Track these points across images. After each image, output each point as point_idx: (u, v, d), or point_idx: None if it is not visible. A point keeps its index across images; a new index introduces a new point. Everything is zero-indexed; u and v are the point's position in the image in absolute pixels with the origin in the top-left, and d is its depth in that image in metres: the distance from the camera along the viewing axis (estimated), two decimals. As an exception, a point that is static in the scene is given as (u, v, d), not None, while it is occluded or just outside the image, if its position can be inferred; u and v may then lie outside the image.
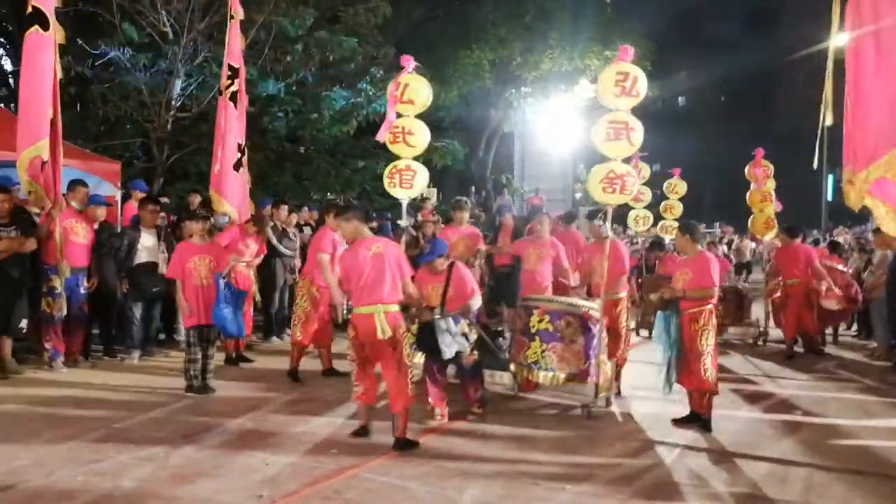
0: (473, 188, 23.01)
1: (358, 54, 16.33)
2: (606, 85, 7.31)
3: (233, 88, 9.11)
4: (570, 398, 7.83)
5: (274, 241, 10.69)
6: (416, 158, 8.74)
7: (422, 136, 8.59)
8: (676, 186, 13.90)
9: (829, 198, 38.52)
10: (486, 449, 6.26)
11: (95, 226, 9.16)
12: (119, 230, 9.86)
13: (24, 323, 8.50)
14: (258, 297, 10.10)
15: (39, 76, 7.84)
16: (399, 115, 8.44)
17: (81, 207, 8.98)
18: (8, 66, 17.44)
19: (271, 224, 10.80)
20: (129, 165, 13.87)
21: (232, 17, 9.22)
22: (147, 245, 9.39)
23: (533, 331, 7.44)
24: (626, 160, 7.50)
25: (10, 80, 17.03)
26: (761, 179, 12.33)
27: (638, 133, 7.28)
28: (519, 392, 7.90)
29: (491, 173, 24.65)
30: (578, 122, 24.76)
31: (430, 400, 6.96)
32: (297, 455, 5.91)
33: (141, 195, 10.55)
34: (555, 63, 21.46)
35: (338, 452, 5.83)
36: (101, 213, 9.44)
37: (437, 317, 6.66)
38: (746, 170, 12.52)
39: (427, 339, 6.66)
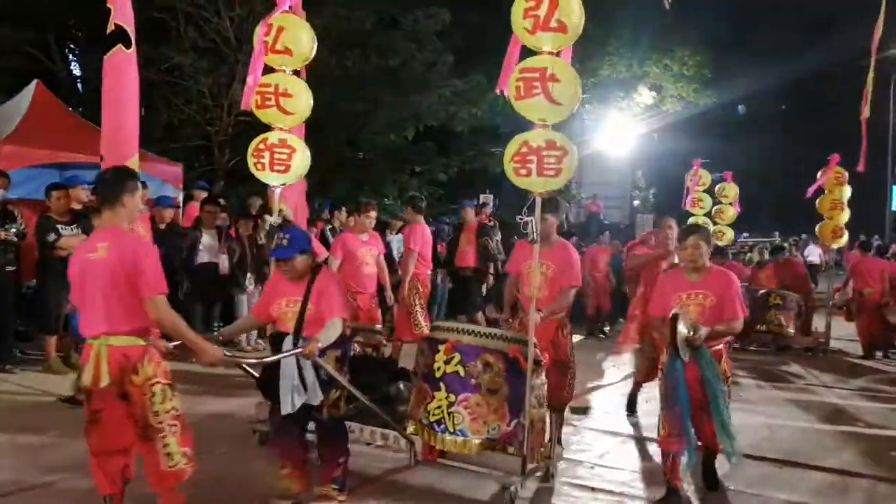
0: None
1: (416, 59, 16.46)
2: (516, 16, 5.06)
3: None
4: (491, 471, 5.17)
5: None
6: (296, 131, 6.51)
7: (302, 99, 6.35)
8: (726, 190, 13.58)
9: (894, 207, 37.58)
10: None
11: (162, 226, 9.38)
12: (181, 231, 10.09)
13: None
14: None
15: (126, 95, 8.00)
16: (272, 70, 6.39)
17: (141, 208, 9.17)
18: (76, 71, 18.00)
19: (330, 227, 10.95)
20: (191, 168, 14.19)
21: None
22: (207, 245, 9.58)
23: (438, 374, 4.97)
24: (556, 127, 5.17)
25: (79, 85, 17.57)
26: (833, 186, 12.14)
27: (564, 87, 4.98)
28: (418, 461, 5.43)
29: (547, 180, 24.51)
30: (637, 128, 24.61)
31: (282, 470, 4.86)
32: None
33: (203, 195, 10.77)
34: (613, 69, 21.41)
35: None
36: (168, 214, 9.67)
37: (288, 350, 4.64)
38: (819, 175, 12.29)
39: (269, 384, 4.80)
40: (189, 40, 14.09)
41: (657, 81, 22.75)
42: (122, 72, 7.99)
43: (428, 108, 16.76)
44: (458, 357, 4.93)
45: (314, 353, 4.52)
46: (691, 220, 13.44)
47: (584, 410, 7.78)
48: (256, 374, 5.01)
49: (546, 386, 5.21)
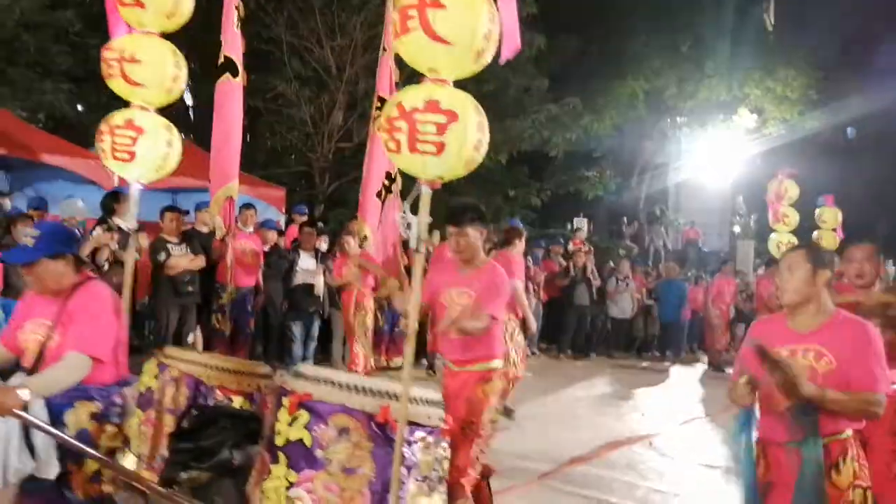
0: (625, 219, 22.77)
1: (511, 84, 16.61)
2: None
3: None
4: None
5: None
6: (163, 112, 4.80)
7: (156, 67, 4.50)
8: (825, 215, 12.19)
9: None
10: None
11: (265, 248, 9.76)
12: (281, 253, 10.47)
13: (191, 337, 9.16)
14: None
15: (231, 122, 8.44)
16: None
17: (250, 230, 9.58)
18: (188, 101, 18.92)
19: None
20: (293, 192, 14.69)
21: (384, 50, 9.66)
22: (305, 267, 9.88)
23: (278, 441, 3.22)
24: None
25: (191, 113, 18.44)
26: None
27: (452, 16, 3.19)
28: None
29: (644, 205, 24.35)
30: (737, 152, 24.05)
31: None
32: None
33: (301, 219, 11.16)
34: (712, 92, 21.01)
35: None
36: (272, 236, 10.08)
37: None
38: None
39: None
40: (292, 70, 14.67)
41: (759, 104, 22.24)
42: (229, 98, 8.44)
43: (521, 132, 16.86)
44: (304, 417, 3.22)
45: (5, 408, 3.02)
46: (773, 236, 12.40)
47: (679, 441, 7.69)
48: None
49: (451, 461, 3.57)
